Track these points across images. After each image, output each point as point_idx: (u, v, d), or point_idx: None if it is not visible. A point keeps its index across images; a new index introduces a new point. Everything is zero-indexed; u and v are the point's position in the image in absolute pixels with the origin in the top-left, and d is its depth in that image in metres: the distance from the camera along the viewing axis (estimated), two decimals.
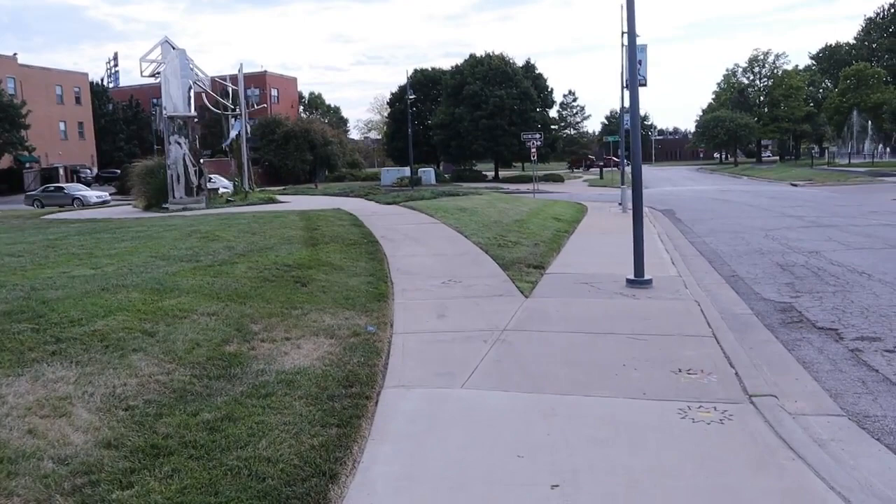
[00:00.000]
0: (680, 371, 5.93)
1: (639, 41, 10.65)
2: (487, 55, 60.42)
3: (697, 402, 5.22)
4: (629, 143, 13.44)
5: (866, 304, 8.79)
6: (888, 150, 70.03)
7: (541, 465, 4.22)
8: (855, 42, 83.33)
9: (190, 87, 23.28)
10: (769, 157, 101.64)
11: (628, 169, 23.02)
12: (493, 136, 56.87)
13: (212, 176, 31.67)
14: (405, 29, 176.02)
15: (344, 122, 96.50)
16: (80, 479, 3.69)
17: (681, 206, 26.10)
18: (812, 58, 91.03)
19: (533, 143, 30.33)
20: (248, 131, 32.01)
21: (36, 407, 4.54)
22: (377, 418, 4.91)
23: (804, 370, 6.38)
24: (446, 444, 4.56)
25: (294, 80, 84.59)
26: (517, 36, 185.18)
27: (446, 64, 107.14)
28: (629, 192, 19.38)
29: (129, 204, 27.60)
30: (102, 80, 76.84)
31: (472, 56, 61.31)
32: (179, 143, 22.66)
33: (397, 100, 65.50)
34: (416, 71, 67.08)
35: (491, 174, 63.00)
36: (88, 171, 62.79)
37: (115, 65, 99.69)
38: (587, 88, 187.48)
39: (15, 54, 60.34)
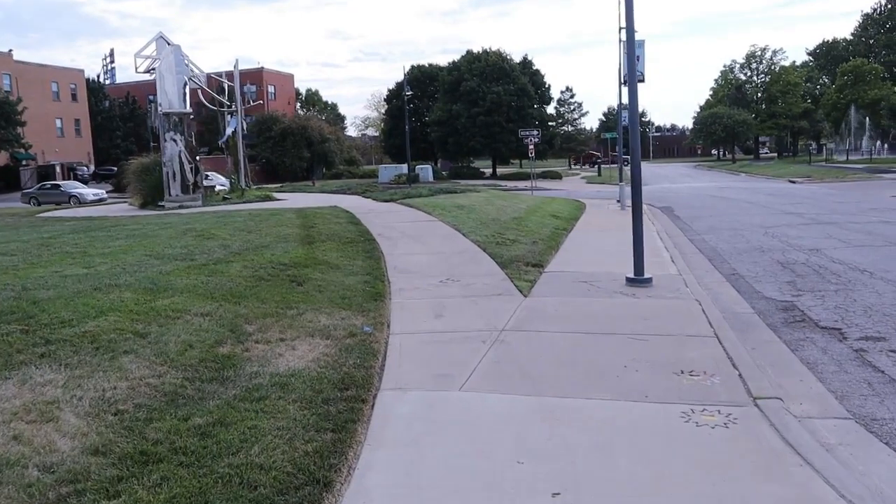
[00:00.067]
0: (682, 372, 5.82)
1: (637, 37, 10.52)
2: (485, 51, 60.21)
3: (701, 405, 5.10)
4: (627, 140, 13.35)
5: (869, 302, 8.69)
6: (886, 146, 69.96)
7: (541, 471, 4.11)
8: (852, 38, 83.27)
9: (185, 84, 23.12)
10: (767, 153, 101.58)
11: (626, 166, 22.97)
12: (490, 132, 56.70)
13: (208, 173, 31.55)
14: (402, 25, 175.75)
15: (341, 118, 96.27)
16: (66, 488, 3.57)
17: (679, 203, 26.01)
18: (809, 54, 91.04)
19: (531, 140, 30.16)
20: (245, 128, 31.89)
21: (22, 412, 4.42)
22: (373, 422, 4.79)
23: (809, 371, 6.28)
24: (444, 449, 4.45)
25: (291, 76, 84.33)
26: (514, 32, 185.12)
27: (444, 60, 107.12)
28: (627, 189, 19.31)
29: (125, 201, 27.46)
30: (99, 76, 76.48)
31: (469, 52, 61.14)
32: (175, 140, 22.51)
33: (394, 96, 65.26)
34: (412, 67, 66.90)
35: (489, 171, 62.84)
36: (85, 168, 62.50)
37: (112, 61, 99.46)
38: (585, 85, 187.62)
39: (10, 51, 59.96)
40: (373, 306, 8.02)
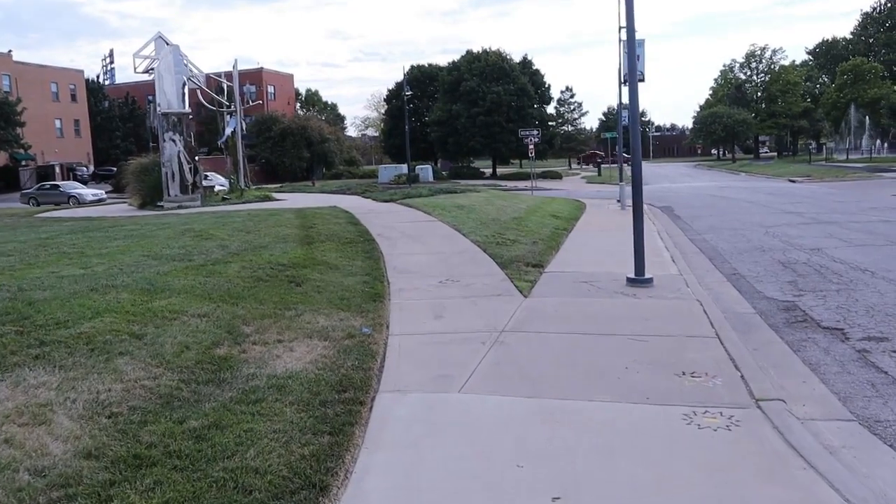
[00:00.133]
0: (684, 374, 5.76)
1: (636, 36, 10.45)
2: (484, 51, 60.14)
3: (703, 406, 5.04)
4: (627, 140, 13.29)
5: (871, 302, 8.63)
6: (885, 145, 69.90)
7: (542, 474, 4.05)
8: (852, 37, 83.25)
9: (184, 84, 23.09)
10: (766, 153, 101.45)
11: (626, 166, 22.89)
12: (490, 132, 56.63)
13: (208, 173, 31.51)
14: (402, 25, 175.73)
15: (341, 119, 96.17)
16: (57, 493, 3.50)
17: (679, 202, 25.95)
18: (809, 53, 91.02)
19: (531, 140, 30.10)
20: (244, 128, 31.82)
21: (14, 414, 4.35)
22: (371, 425, 4.73)
23: (811, 372, 6.21)
24: (443, 452, 4.38)
25: (291, 76, 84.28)
26: (514, 32, 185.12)
27: (443, 60, 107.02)
28: (628, 188, 19.25)
29: (125, 202, 27.41)
30: (98, 77, 76.41)
31: (468, 52, 61.07)
32: (174, 141, 22.46)
33: (394, 96, 65.19)
34: (412, 67, 66.82)
35: (489, 171, 62.75)
36: (85, 168, 62.45)
37: (111, 62, 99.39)
38: (584, 85, 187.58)
39: (10, 51, 59.92)
40: (372, 307, 7.96)
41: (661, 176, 54.86)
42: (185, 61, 23.58)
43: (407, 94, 53.97)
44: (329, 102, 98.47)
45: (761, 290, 9.65)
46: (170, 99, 22.63)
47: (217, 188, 28.63)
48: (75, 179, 51.91)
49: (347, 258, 10.96)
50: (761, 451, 4.37)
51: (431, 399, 5.31)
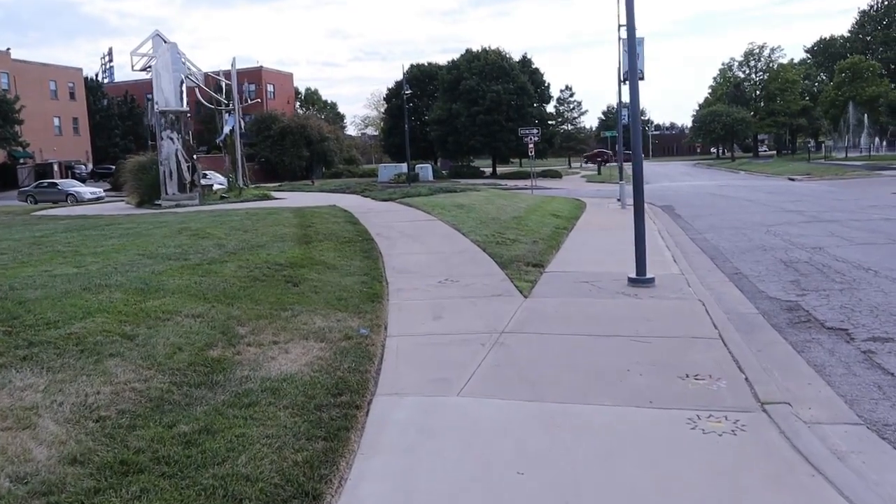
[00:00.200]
0: (687, 376, 5.64)
1: (636, 34, 10.32)
2: (484, 50, 60.00)
3: (707, 410, 4.92)
4: (627, 139, 13.19)
5: (875, 302, 8.52)
6: (884, 143, 69.83)
7: (542, 482, 3.93)
8: (849, 35, 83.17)
9: (182, 82, 22.94)
10: (766, 151, 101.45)
11: (626, 164, 22.85)
12: (490, 131, 56.50)
13: (207, 172, 31.37)
14: (402, 25, 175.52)
15: (341, 118, 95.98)
16: (38, 501, 3.37)
17: (680, 201, 25.85)
18: (807, 51, 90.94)
19: (530, 139, 29.98)
20: (243, 127, 31.70)
21: None
22: (367, 429, 4.60)
23: (816, 374, 6.10)
24: (441, 458, 4.26)
25: (290, 75, 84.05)
26: (514, 32, 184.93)
27: (443, 60, 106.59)
28: (628, 187, 19.14)
29: (123, 200, 27.27)
30: (97, 75, 76.13)
31: (468, 51, 60.90)
32: (172, 139, 22.32)
33: (394, 95, 65.02)
34: (412, 66, 66.65)
35: (488, 170, 62.62)
36: (83, 166, 62.28)
37: (111, 60, 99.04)
38: (584, 84, 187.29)
39: (8, 49, 59.75)
40: (370, 307, 7.84)
41: (660, 175, 54.73)
42: (182, 59, 23.44)
43: (406, 93, 53.78)
44: (329, 101, 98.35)
45: (764, 290, 9.54)
46: (167, 97, 22.49)
47: (216, 187, 28.50)
48: (73, 177, 51.73)
49: (346, 258, 10.84)
50: (768, 456, 4.25)
51: (429, 403, 5.19)
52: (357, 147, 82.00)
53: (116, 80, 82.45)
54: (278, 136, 57.84)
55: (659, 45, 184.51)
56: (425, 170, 52.01)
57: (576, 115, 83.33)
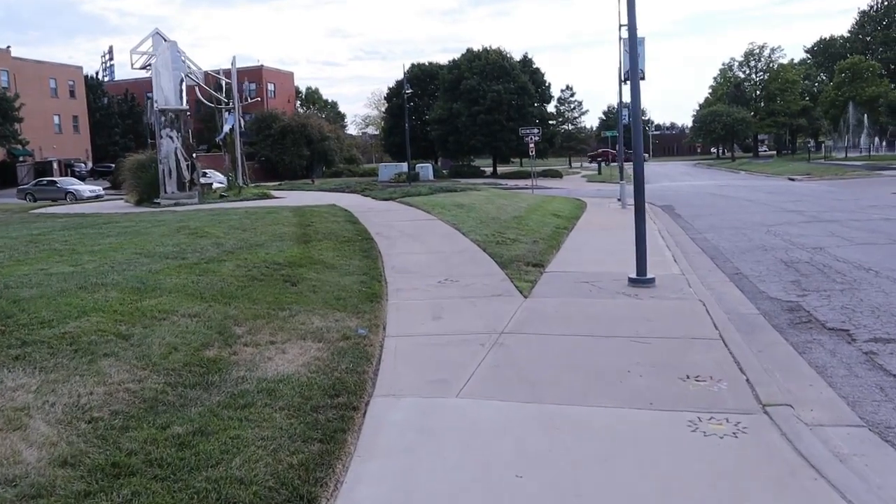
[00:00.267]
0: (688, 377, 5.58)
1: (637, 34, 10.25)
2: (485, 50, 59.91)
3: (708, 412, 4.86)
4: (627, 138, 13.12)
5: (876, 302, 8.47)
6: (884, 143, 69.79)
7: (542, 485, 3.87)
8: (849, 35, 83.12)
9: (182, 80, 22.88)
10: (765, 151, 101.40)
11: (625, 164, 22.82)
12: (490, 131, 56.43)
13: (206, 171, 31.34)
14: (402, 24, 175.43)
15: (341, 117, 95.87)
16: None
17: (680, 201, 25.80)
18: (807, 51, 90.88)
19: (531, 139, 29.92)
20: (242, 125, 31.62)
21: None
22: (364, 431, 4.54)
23: (818, 375, 6.04)
24: (438, 461, 4.20)
25: (291, 74, 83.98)
26: (514, 31, 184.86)
27: (444, 59, 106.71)
28: (628, 187, 19.07)
29: (122, 198, 27.20)
30: (97, 73, 75.98)
31: (469, 51, 60.81)
32: (171, 137, 22.26)
33: (394, 95, 64.92)
34: (413, 66, 66.58)
35: (489, 170, 62.53)
36: (83, 165, 62.25)
37: (111, 58, 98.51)
38: (585, 84, 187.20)
39: (8, 47, 59.71)
40: (368, 307, 7.78)
41: (661, 175, 54.66)
42: (182, 58, 23.37)
43: (407, 92, 53.76)
44: (329, 100, 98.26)
45: (764, 290, 9.49)
46: (167, 95, 22.43)
47: (215, 185, 28.46)
48: (73, 176, 51.70)
49: (345, 257, 10.78)
50: (770, 460, 4.19)
51: (428, 404, 5.13)
52: (357, 146, 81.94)
53: (117, 79, 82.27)
54: (279, 134, 57.77)
55: (659, 45, 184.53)
56: (426, 169, 51.94)
57: (576, 114, 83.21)
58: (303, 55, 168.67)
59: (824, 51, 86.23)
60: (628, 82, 12.20)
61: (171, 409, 4.54)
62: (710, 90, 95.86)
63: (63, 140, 63.58)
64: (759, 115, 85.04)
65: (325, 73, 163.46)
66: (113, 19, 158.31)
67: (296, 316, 7.07)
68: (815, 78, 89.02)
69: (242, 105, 31.52)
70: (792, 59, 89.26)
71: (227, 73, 28.78)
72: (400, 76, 63.49)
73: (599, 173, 58.72)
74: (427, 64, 67.77)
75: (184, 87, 23.19)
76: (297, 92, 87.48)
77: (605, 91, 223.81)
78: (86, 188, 38.31)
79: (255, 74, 69.59)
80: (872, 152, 62.93)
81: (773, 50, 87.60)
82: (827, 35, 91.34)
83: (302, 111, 77.88)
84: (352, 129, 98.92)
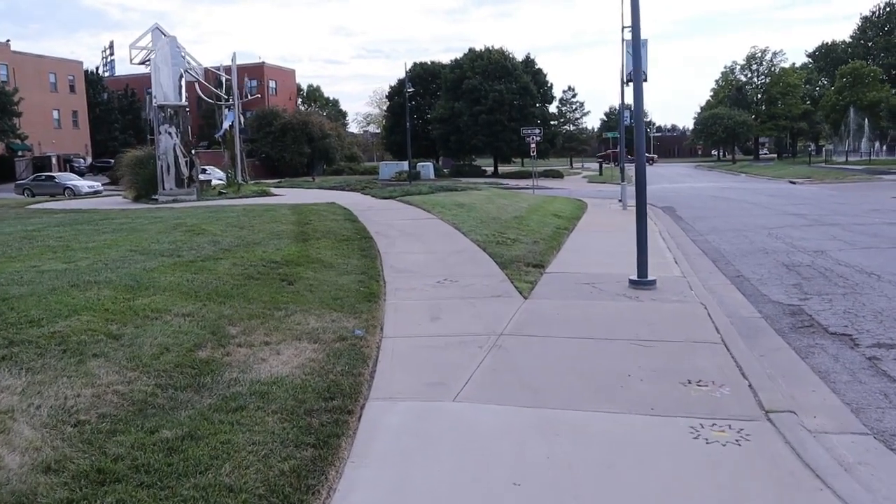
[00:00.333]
0: (689, 382, 5.48)
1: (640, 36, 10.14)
2: (487, 49, 59.79)
3: (710, 418, 4.76)
4: (629, 140, 13.01)
5: (879, 307, 8.37)
6: (884, 148, 69.71)
7: (540, 494, 3.76)
8: (851, 40, 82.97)
9: (181, 76, 22.74)
10: (766, 154, 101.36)
11: (627, 165, 22.74)
12: (492, 131, 56.32)
13: (206, 167, 31.19)
14: (405, 23, 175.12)
15: (343, 115, 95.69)
16: None
17: (681, 203, 25.69)
18: (809, 56, 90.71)
19: (532, 139, 29.83)
20: (243, 122, 31.49)
21: None
22: (359, 436, 4.43)
23: (821, 381, 5.94)
24: (434, 467, 4.09)
25: (292, 71, 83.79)
26: (517, 31, 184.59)
27: (446, 58, 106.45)
28: (629, 188, 18.97)
29: (120, 194, 27.06)
30: (98, 68, 75.73)
31: (471, 50, 60.67)
32: (170, 134, 22.14)
33: (396, 93, 64.76)
34: (415, 64, 66.43)
35: (490, 169, 62.42)
36: (82, 160, 62.09)
37: (111, 53, 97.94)
38: (586, 85, 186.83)
39: (8, 41, 59.57)
40: (366, 308, 7.67)
41: (661, 176, 54.53)
42: (182, 53, 23.24)
43: (409, 91, 53.59)
44: (331, 98, 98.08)
45: (766, 294, 9.39)
46: (166, 91, 22.30)
47: (214, 182, 28.30)
48: (72, 171, 51.59)
49: (343, 256, 10.67)
50: (774, 469, 4.09)
51: (424, 408, 5.02)
52: (359, 144, 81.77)
53: (117, 74, 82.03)
54: (279, 132, 57.59)
55: (661, 47, 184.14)
56: (427, 168, 51.82)
57: (578, 115, 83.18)
58: (305, 53, 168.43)
59: (826, 55, 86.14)
60: (630, 84, 12.08)
61: (160, 412, 4.42)
62: (712, 93, 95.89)
63: (62, 135, 63.42)
64: (761, 119, 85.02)
65: (327, 70, 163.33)
66: (115, 14, 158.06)
67: (292, 316, 6.96)
68: (816, 82, 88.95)
69: (243, 102, 31.39)
70: (794, 64, 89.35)
71: (228, 69, 28.68)
72: (402, 75, 63.24)
73: (600, 174, 58.60)
74: (429, 63, 67.68)
75: (183, 83, 23.06)
76: (299, 89, 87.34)
77: (606, 92, 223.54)
78: (84, 184, 38.14)
79: (256, 71, 69.44)
80: (873, 157, 62.92)
81: (775, 54, 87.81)
82: (829, 40, 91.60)
83: (303, 109, 77.74)
84: (353, 128, 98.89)
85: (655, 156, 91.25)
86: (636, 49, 10.21)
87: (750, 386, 5.42)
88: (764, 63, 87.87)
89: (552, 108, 68.67)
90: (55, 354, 5.17)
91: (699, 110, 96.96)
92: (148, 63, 22.94)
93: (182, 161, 22.36)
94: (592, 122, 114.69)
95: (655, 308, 8.12)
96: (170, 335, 5.87)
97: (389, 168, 54.14)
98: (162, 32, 22.89)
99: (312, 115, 66.53)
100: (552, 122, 65.35)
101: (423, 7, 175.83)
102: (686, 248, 13.93)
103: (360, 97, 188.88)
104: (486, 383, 5.53)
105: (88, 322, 5.92)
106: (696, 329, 7.18)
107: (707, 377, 5.60)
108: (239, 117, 29.01)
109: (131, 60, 23.21)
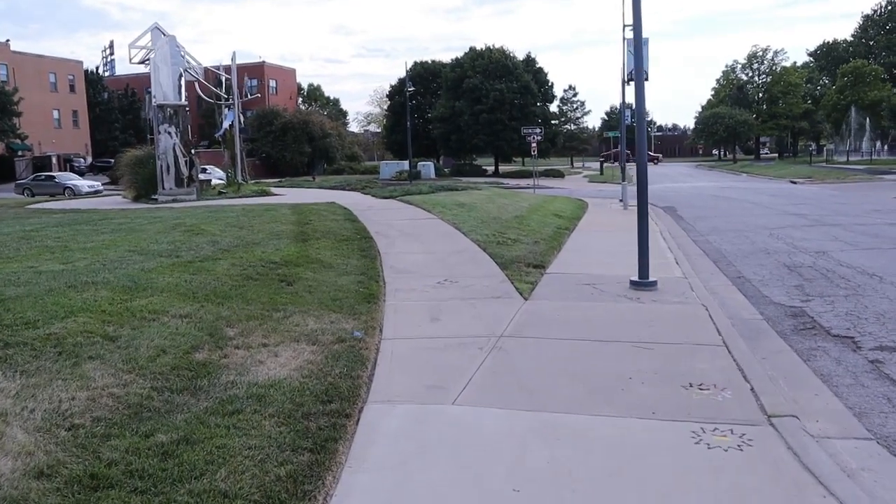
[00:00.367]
0: (691, 386, 5.43)
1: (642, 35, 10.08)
2: (488, 48, 59.74)
3: (712, 423, 4.71)
4: (630, 139, 12.97)
5: (881, 309, 8.32)
6: (886, 147, 69.59)
7: (540, 500, 3.71)
8: (852, 39, 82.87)
9: (181, 76, 22.70)
10: (767, 154, 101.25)
11: (628, 165, 22.70)
12: (493, 130, 56.27)
13: (206, 167, 31.16)
14: (406, 21, 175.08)
15: (343, 114, 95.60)
16: None
17: (682, 203, 25.64)
18: (810, 55, 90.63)
19: (533, 138, 29.77)
20: (243, 122, 31.45)
21: None
22: (357, 440, 4.38)
23: (823, 385, 5.89)
24: (433, 473, 4.04)
25: (293, 71, 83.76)
26: (517, 30, 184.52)
27: (447, 57, 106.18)
28: (630, 188, 18.92)
29: (120, 194, 27.01)
30: (98, 68, 75.78)
31: (472, 49, 60.61)
32: (170, 133, 22.09)
33: (397, 92, 64.73)
34: (415, 63, 66.40)
35: (491, 169, 62.35)
36: (82, 160, 62.08)
37: (111, 53, 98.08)
38: (587, 84, 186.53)
39: (7, 41, 59.54)
40: (365, 309, 7.62)
41: (662, 176, 54.45)
42: (182, 52, 23.19)
43: (410, 90, 53.60)
44: (331, 98, 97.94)
45: (767, 295, 9.34)
46: (165, 91, 22.26)
47: (214, 182, 28.25)
48: (72, 171, 51.56)
49: (343, 256, 10.62)
50: (777, 475, 4.04)
51: (423, 412, 4.97)
52: (359, 144, 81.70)
53: (117, 74, 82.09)
54: (280, 131, 57.56)
55: (661, 46, 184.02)
56: (427, 167, 51.76)
57: (579, 114, 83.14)
58: (306, 52, 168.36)
59: (827, 54, 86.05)
60: (632, 83, 12.03)
61: (155, 415, 4.37)
62: (713, 92, 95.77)
63: (62, 135, 63.39)
64: (762, 118, 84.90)
65: (327, 70, 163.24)
66: (115, 14, 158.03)
67: (290, 317, 6.91)
68: (817, 81, 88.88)
69: (243, 101, 31.34)
70: (795, 63, 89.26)
71: (228, 68, 28.63)
72: (403, 74, 63.24)
73: (601, 174, 58.55)
74: (430, 62, 67.65)
75: (183, 83, 23.02)
76: (299, 89, 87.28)
77: (607, 91, 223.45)
78: (84, 183, 38.11)
79: (256, 71, 69.39)
80: (874, 156, 62.82)
81: (776, 53, 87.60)
82: (830, 39, 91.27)
83: (304, 108, 77.68)
84: (354, 127, 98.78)
85: (660, 155, 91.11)
86: (637, 48, 10.15)
87: (752, 389, 5.37)
88: (765, 62, 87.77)
89: (553, 108, 68.69)
90: (50, 357, 5.12)
91: (700, 109, 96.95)
92: (147, 62, 22.90)
93: (182, 161, 22.31)
94: (593, 121, 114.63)
95: (656, 309, 8.06)
96: (167, 337, 5.82)
97: (390, 167, 54.09)
98: (161, 32, 22.84)
99: (313, 114, 66.49)
100: (553, 122, 65.29)
101: (423, 6, 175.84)
102: (687, 248, 13.88)
103: (360, 96, 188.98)
104: (486, 386, 5.48)
105: (85, 323, 5.87)
106: (697, 331, 7.13)
107: (708, 380, 5.54)
108: (239, 117, 28.97)
109: (131, 60, 23.18)
